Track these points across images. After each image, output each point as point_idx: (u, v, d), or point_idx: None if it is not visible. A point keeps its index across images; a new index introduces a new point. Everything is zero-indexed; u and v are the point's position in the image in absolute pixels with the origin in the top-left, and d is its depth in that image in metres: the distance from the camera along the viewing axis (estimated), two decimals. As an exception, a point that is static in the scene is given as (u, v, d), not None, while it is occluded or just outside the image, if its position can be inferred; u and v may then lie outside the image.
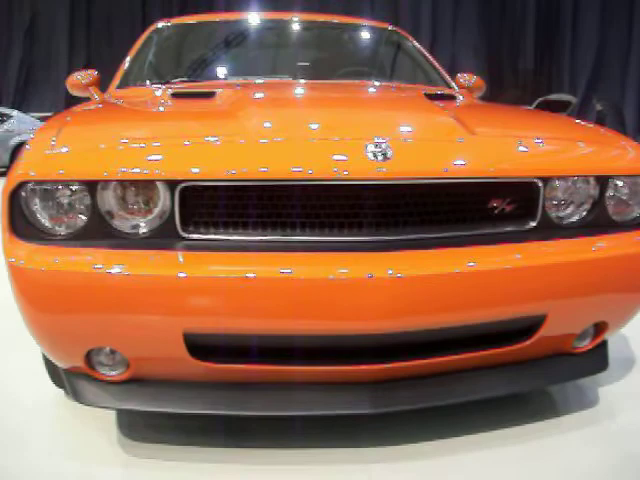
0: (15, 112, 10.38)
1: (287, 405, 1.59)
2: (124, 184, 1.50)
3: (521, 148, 1.70)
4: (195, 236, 1.51)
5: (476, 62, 14.17)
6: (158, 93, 2.44)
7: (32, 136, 1.64)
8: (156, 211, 1.51)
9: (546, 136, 1.85)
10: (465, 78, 3.17)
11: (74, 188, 1.48)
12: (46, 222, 1.49)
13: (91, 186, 1.47)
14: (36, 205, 1.48)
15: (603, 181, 1.72)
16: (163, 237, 1.51)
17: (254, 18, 3.29)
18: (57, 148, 1.51)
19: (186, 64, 3.08)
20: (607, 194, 1.73)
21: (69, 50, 15.21)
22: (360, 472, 1.61)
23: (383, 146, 1.52)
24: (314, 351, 1.58)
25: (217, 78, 2.86)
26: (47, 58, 15.19)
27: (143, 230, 1.52)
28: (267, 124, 1.76)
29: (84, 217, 1.49)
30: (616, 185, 1.74)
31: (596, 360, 1.87)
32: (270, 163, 1.50)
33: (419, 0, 14.81)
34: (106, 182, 1.48)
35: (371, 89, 2.75)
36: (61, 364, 1.65)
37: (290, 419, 1.76)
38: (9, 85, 15.08)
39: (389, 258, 1.48)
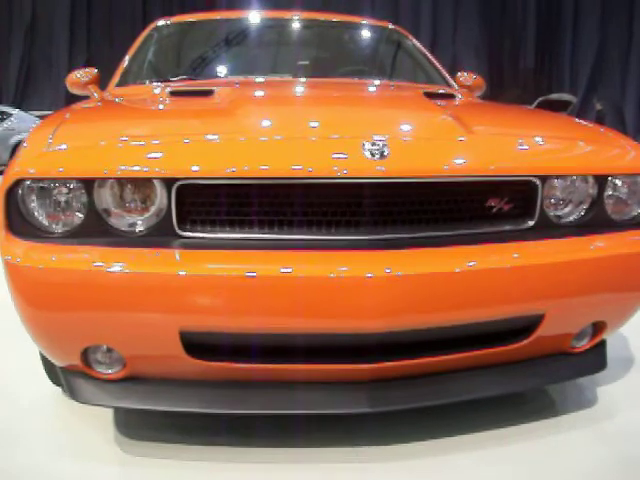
0: (15, 110, 10.38)
1: (283, 404, 1.59)
2: (121, 182, 1.49)
3: (519, 147, 1.69)
4: (192, 234, 1.51)
5: (477, 61, 14.19)
6: (157, 91, 2.44)
7: (29, 134, 1.64)
8: (153, 209, 1.51)
9: (545, 135, 1.84)
10: (465, 77, 3.15)
11: (71, 186, 1.48)
12: (43, 220, 1.49)
13: (88, 184, 1.47)
14: (33, 203, 1.48)
15: (602, 180, 1.71)
16: (160, 235, 1.51)
17: (254, 16, 3.29)
18: (54, 146, 1.51)
19: (186, 62, 3.07)
20: (606, 193, 1.72)
21: (69, 49, 15.23)
22: (355, 471, 1.60)
23: (381, 144, 1.52)
24: (311, 349, 1.58)
25: (217, 76, 2.85)
26: (47, 57, 15.21)
27: (140, 228, 1.52)
28: (266, 122, 1.76)
29: (81, 215, 1.49)
30: (615, 184, 1.74)
31: (595, 360, 1.86)
32: (269, 161, 1.50)
33: (420, -1, 14.85)
34: (103, 180, 1.47)
35: (371, 88, 2.75)
36: (58, 362, 1.65)
37: (285, 418, 1.75)
38: (9, 83, 15.10)
39: (387, 256, 1.48)
